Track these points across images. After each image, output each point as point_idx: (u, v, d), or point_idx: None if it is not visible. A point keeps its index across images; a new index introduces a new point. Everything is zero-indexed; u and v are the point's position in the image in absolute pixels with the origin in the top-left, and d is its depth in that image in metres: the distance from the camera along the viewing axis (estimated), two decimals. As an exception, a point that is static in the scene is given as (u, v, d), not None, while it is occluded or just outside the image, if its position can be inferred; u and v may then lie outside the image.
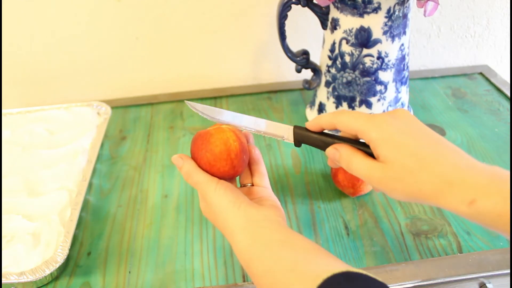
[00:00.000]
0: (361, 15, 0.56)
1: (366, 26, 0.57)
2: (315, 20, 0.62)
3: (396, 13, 0.56)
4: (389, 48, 0.58)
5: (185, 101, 0.49)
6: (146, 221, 0.56)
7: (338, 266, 0.32)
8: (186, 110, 0.78)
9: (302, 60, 0.66)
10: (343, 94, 0.63)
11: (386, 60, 0.59)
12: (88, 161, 0.62)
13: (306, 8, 0.61)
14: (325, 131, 0.43)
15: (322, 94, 0.66)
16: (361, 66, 0.59)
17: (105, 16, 0.74)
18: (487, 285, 0.47)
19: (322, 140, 0.42)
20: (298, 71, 0.67)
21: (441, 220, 0.53)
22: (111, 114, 0.72)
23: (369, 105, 0.62)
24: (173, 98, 0.81)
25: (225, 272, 0.49)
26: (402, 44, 0.59)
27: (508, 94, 0.75)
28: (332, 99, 0.65)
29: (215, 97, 0.80)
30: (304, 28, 0.78)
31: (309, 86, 0.68)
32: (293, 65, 0.68)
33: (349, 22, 0.57)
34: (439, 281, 0.46)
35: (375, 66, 0.59)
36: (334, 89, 0.64)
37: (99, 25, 0.75)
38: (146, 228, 0.55)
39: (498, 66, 0.88)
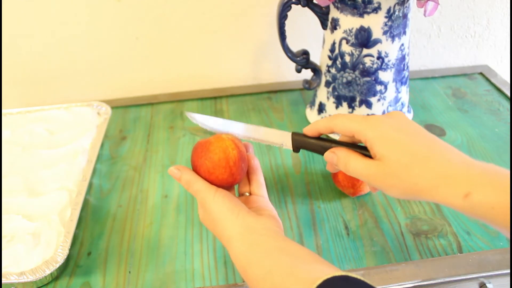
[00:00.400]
0: (361, 15, 0.56)
1: (366, 26, 0.57)
2: (315, 20, 0.62)
3: (396, 13, 0.56)
4: (389, 48, 0.58)
5: (186, 112, 0.50)
6: (146, 221, 0.56)
7: (336, 272, 0.33)
8: (186, 110, 0.78)
9: (302, 60, 0.66)
10: (343, 94, 0.63)
11: (386, 60, 0.59)
12: (88, 161, 0.62)
13: (306, 8, 0.61)
14: (323, 136, 0.44)
15: (322, 94, 0.66)
16: (361, 66, 0.59)
17: (105, 16, 0.74)
18: (487, 285, 0.47)
19: (320, 145, 0.43)
20: (298, 71, 0.67)
21: (441, 220, 0.53)
22: (111, 114, 0.72)
23: (369, 105, 0.62)
24: (173, 98, 0.81)
25: (225, 272, 0.49)
26: (402, 44, 0.59)
27: (508, 94, 0.75)
28: (332, 99, 0.65)
29: (215, 97, 0.80)
30: (304, 28, 0.78)
31: (309, 86, 0.68)
32: (293, 65, 0.68)
33: (349, 22, 0.57)
34: (439, 281, 0.46)
35: (375, 66, 0.59)
36: (334, 89, 0.64)
37: (99, 25, 0.75)
38: (146, 228, 0.55)
39: (498, 66, 0.88)
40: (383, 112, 0.64)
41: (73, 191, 0.57)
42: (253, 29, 0.78)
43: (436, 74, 0.83)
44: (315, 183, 0.60)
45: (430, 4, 0.53)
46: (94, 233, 0.55)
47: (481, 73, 0.82)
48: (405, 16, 0.57)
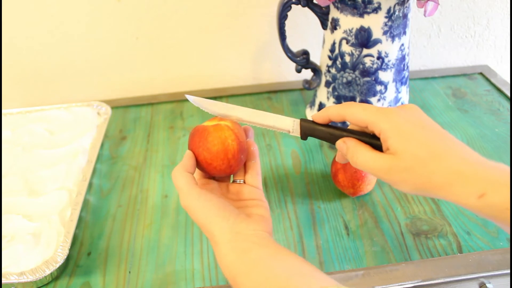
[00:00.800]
0: (361, 15, 0.56)
1: (366, 26, 0.57)
2: (315, 20, 0.62)
3: (396, 13, 0.56)
4: (389, 48, 0.58)
5: (186, 95, 0.47)
6: (146, 221, 0.56)
7: (332, 283, 0.32)
8: (186, 110, 0.78)
9: (302, 60, 0.66)
10: (343, 94, 0.63)
11: (386, 60, 0.59)
12: (88, 161, 0.62)
13: (306, 8, 0.61)
14: (332, 123, 0.42)
15: (322, 94, 0.66)
16: (361, 66, 0.59)
17: (105, 16, 0.74)
18: (487, 285, 0.47)
19: (330, 132, 0.41)
20: (298, 71, 0.67)
21: (441, 220, 0.53)
22: (111, 114, 0.72)
23: (369, 105, 0.62)
24: (173, 98, 0.81)
25: (225, 272, 0.49)
26: (402, 44, 0.59)
27: (508, 94, 0.75)
28: (332, 99, 0.65)
29: (215, 97, 0.80)
30: (304, 28, 0.78)
31: (309, 86, 0.68)
32: (293, 65, 0.68)
33: (349, 22, 0.57)
34: (439, 281, 0.46)
35: (375, 66, 0.59)
36: (334, 89, 0.64)
37: (99, 25, 0.75)
38: (146, 228, 0.55)
39: (498, 66, 0.88)
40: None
41: (73, 191, 0.57)
42: (253, 29, 0.78)
43: (436, 74, 0.83)
44: (315, 183, 0.60)
45: (430, 4, 0.53)
46: (94, 233, 0.55)
47: (481, 73, 0.82)
48: (405, 16, 0.57)
